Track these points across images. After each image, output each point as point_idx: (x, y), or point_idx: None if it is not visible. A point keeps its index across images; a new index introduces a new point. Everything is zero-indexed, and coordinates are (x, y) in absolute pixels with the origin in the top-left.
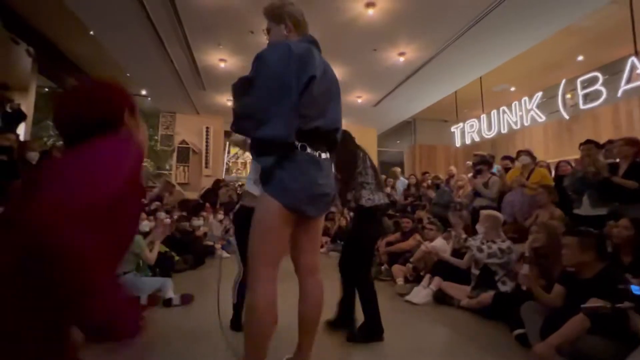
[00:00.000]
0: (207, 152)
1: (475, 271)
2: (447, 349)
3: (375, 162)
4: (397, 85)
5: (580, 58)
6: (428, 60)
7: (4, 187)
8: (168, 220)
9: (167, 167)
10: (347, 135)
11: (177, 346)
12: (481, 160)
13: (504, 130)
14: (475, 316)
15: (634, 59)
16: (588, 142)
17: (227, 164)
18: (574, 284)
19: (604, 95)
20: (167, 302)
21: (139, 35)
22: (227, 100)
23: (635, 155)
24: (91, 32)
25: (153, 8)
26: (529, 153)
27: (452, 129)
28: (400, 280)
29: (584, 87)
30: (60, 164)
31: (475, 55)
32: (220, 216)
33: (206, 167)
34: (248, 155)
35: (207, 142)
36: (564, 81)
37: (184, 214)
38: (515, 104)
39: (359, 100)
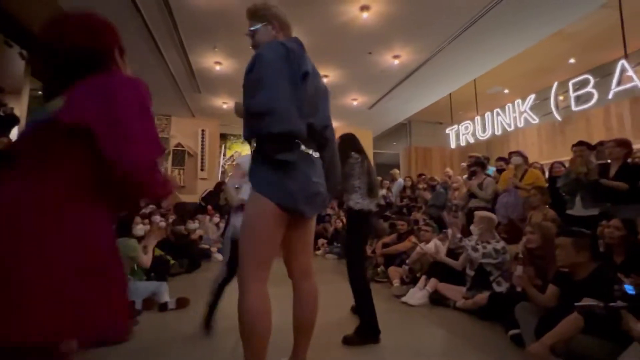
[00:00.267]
0: (202, 155)
1: (470, 272)
2: (443, 350)
3: (372, 164)
4: (392, 88)
5: (572, 61)
6: (422, 63)
7: None
8: (163, 224)
9: (163, 170)
10: (347, 137)
11: (173, 350)
12: (475, 161)
13: (498, 132)
14: (471, 317)
15: (624, 61)
16: (580, 143)
17: (222, 166)
18: (567, 284)
19: (595, 97)
20: (163, 306)
21: (133, 38)
22: (222, 103)
23: (626, 156)
24: None
25: (148, 11)
26: (520, 154)
27: (447, 130)
28: (396, 282)
29: (575, 89)
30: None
31: (469, 58)
32: (217, 219)
33: (202, 170)
34: None
35: (202, 145)
36: (556, 83)
37: (178, 217)
38: (509, 106)
39: (355, 103)
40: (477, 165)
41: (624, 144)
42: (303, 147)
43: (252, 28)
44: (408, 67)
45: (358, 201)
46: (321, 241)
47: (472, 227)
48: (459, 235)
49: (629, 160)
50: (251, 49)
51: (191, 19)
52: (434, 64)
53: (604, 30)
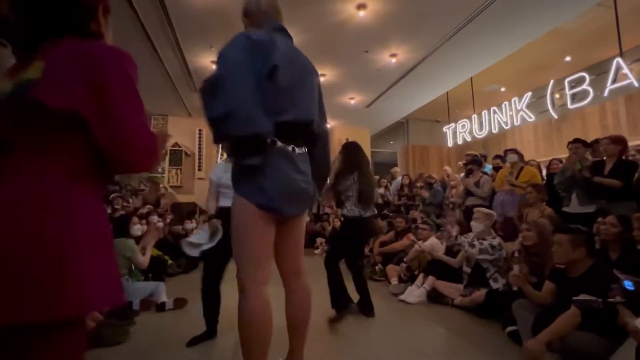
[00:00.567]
0: (200, 155)
1: (467, 269)
2: (441, 347)
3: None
4: (389, 87)
5: (568, 59)
6: (419, 61)
7: None
8: (160, 224)
9: (160, 170)
10: (349, 145)
11: (171, 351)
12: (472, 160)
13: (495, 130)
14: (468, 314)
15: (619, 59)
16: (575, 140)
17: None
18: (564, 280)
19: (591, 95)
20: (161, 307)
21: (129, 37)
22: None
23: (620, 153)
24: None
25: (144, 11)
26: (516, 151)
27: (444, 129)
28: (394, 280)
29: (571, 87)
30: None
31: (465, 56)
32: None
33: (199, 169)
34: None
35: (199, 144)
36: (552, 81)
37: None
38: (506, 104)
39: (352, 102)
40: (474, 163)
41: (619, 141)
42: (280, 144)
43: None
44: (405, 65)
45: (351, 208)
46: (319, 240)
47: (473, 224)
48: (454, 233)
49: (624, 157)
50: None
51: (187, 18)
52: (431, 63)
53: (600, 28)
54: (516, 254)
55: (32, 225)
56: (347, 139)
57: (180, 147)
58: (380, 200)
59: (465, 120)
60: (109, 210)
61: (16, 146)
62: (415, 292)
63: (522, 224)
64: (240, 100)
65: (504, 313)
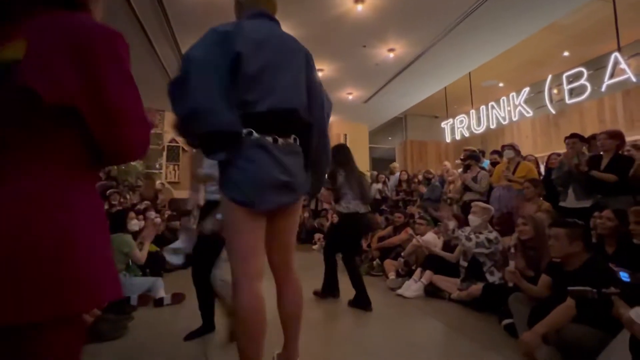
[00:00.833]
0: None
1: (464, 263)
2: (438, 341)
3: (367, 158)
4: (387, 82)
5: (566, 54)
6: (417, 56)
7: None
8: (158, 220)
9: (157, 165)
10: (337, 148)
11: (168, 346)
12: (469, 155)
13: (493, 126)
14: (465, 308)
15: (617, 54)
16: (573, 135)
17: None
18: (560, 274)
19: (589, 90)
20: (159, 302)
21: (126, 33)
22: None
23: (617, 148)
24: None
25: (140, 6)
26: (512, 147)
27: (443, 124)
28: (392, 275)
29: (569, 82)
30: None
31: (463, 51)
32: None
33: None
34: None
35: None
36: (550, 76)
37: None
38: (504, 99)
39: (350, 97)
40: (471, 158)
41: (616, 136)
42: (256, 135)
43: None
44: (403, 60)
45: (346, 205)
46: (317, 236)
47: (471, 217)
48: (451, 227)
49: (621, 151)
50: None
51: (184, 14)
52: (429, 57)
53: (598, 22)
54: (512, 249)
55: (32, 225)
56: (345, 135)
57: (177, 142)
58: (378, 196)
59: (464, 115)
60: (106, 206)
61: (8, 141)
62: (412, 287)
63: (519, 218)
64: (200, 98)
65: (501, 306)
